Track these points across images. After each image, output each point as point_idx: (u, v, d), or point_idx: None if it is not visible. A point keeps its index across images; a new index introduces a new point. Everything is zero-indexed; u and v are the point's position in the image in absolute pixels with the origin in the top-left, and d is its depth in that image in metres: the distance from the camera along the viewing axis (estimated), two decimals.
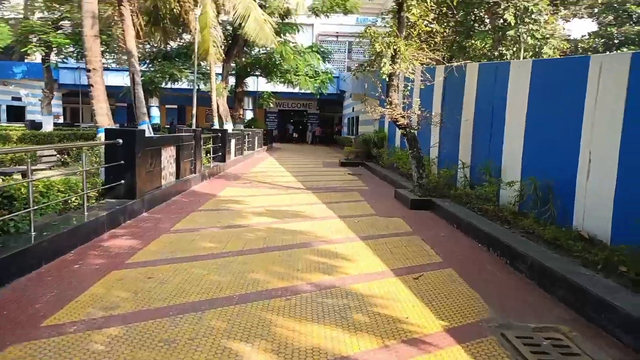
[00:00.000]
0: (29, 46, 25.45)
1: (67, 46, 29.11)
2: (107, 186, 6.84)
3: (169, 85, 27.95)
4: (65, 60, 30.30)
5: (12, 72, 34.97)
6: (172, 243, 5.63)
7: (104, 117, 9.60)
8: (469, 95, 9.52)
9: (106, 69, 33.75)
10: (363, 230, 6.68)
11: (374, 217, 7.73)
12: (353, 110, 32.00)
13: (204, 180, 11.63)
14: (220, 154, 14.45)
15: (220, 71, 24.35)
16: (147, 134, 11.66)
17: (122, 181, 6.95)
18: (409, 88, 10.55)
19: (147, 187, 7.70)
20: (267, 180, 12.39)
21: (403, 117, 9.33)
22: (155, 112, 40.63)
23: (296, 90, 31.25)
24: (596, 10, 25.12)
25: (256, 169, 15.61)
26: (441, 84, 10.97)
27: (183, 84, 28.53)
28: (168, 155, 9.14)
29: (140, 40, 18.48)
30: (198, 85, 26.97)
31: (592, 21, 26.25)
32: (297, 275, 4.58)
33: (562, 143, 6.26)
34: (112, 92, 31.04)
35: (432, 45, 11.39)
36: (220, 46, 20.61)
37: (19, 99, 36.47)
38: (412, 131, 9.34)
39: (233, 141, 16.74)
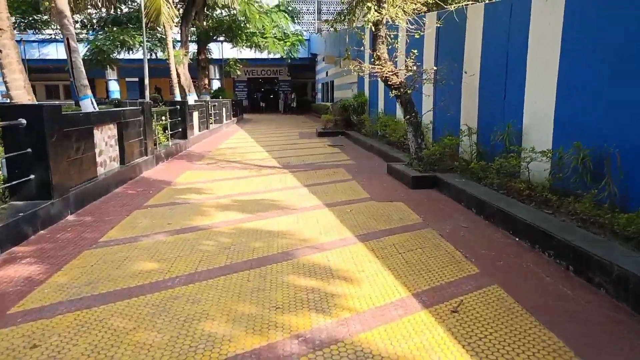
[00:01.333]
0: None
1: None
2: (7, 185, 5.00)
3: (125, 56, 25.38)
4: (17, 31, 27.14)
5: None
6: (93, 267, 3.92)
7: (20, 91, 7.60)
8: (473, 44, 7.87)
9: (58, 40, 30.51)
10: (360, 225, 5.09)
11: (370, 203, 6.14)
12: (327, 75, 30.00)
13: (160, 162, 9.78)
14: (180, 129, 12.52)
15: (179, 37, 21.92)
16: (90, 110, 9.71)
17: (32, 176, 5.12)
18: (398, 40, 8.82)
19: (73, 180, 5.88)
20: (236, 159, 10.62)
21: (396, 74, 7.64)
22: (114, 86, 37.72)
23: (264, 55, 29.02)
24: None
25: (224, 145, 13.76)
26: (433, 35, 9.27)
27: (140, 54, 25.93)
28: (106, 136, 7.26)
29: (81, 4, 16.04)
30: (155, 53, 24.52)
31: None
32: (275, 320, 2.97)
33: (621, 92, 4.72)
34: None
35: None
36: (176, 7, 18.27)
37: None
38: (408, 92, 7.69)
39: (196, 114, 14.76)
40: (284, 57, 24.64)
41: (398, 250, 4.26)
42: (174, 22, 20.59)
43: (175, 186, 7.44)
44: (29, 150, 5.05)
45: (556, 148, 5.49)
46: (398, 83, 7.63)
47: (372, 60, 7.99)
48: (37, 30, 27.94)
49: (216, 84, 34.88)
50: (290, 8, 26.08)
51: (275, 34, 23.67)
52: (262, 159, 10.48)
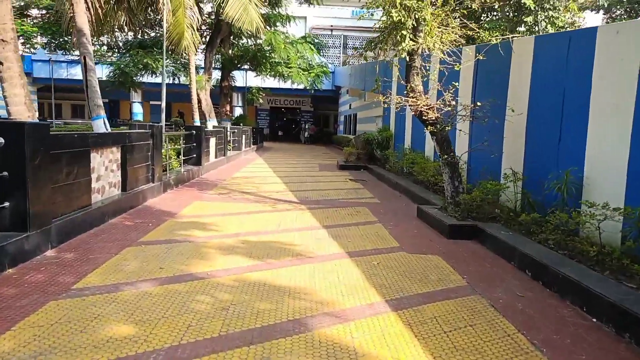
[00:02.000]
0: None
1: (35, 35, 26.42)
2: None
3: (151, 80, 25.45)
4: (33, 50, 27.55)
5: None
6: (53, 327, 3.07)
7: (20, 107, 7.00)
8: (519, 79, 7.05)
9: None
10: (391, 285, 4.16)
11: (401, 254, 5.20)
12: (350, 107, 29.55)
13: (168, 190, 9.04)
14: (194, 155, 11.85)
15: (203, 63, 21.72)
16: (102, 131, 9.14)
17: (6, 203, 4.38)
18: (431, 72, 8.07)
19: (59, 208, 5.12)
20: (249, 190, 9.83)
21: (430, 108, 6.83)
22: (138, 108, 37.91)
23: (288, 85, 28.76)
24: (607, 3, 22.94)
25: (239, 174, 13.04)
26: (471, 68, 8.50)
27: (165, 78, 25.85)
28: (107, 160, 6.56)
29: (107, 27, 15.89)
30: (178, 78, 24.43)
31: (602, 14, 24.20)
32: None
33: None
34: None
35: (462, 18, 8.86)
36: (199, 31, 18.07)
37: None
38: (446, 129, 6.85)
39: (213, 140, 14.15)
40: (308, 87, 24.20)
41: (442, 328, 3.31)
42: (197, 47, 20.46)
43: (179, 219, 6.63)
44: (5, 173, 4.32)
45: (633, 205, 4.52)
46: (434, 118, 6.81)
47: (405, 92, 7.21)
48: (66, 51, 28.27)
49: (239, 112, 34.75)
50: (316, 40, 25.88)
51: (300, 64, 23.32)
52: (278, 192, 9.67)
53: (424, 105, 6.75)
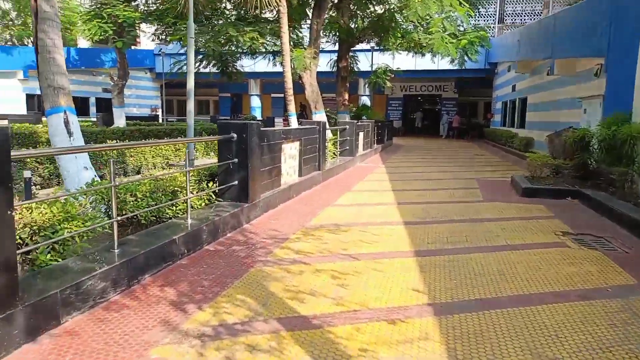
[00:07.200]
0: (91, 24, 19.40)
1: (137, 22, 23.10)
2: None
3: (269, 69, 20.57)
4: (158, 41, 23.48)
5: (101, 61, 30.97)
6: None
7: None
8: None
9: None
10: None
11: None
12: (514, 90, 21.30)
13: (87, 310, 3.26)
14: (235, 182, 5.99)
15: (309, 33, 15.96)
16: (59, 135, 3.91)
17: None
18: None
19: None
20: (319, 299, 3.59)
21: None
22: (256, 101, 34.25)
23: (426, 64, 21.81)
24: None
25: (325, 216, 6.83)
26: None
27: (267, 63, 20.66)
28: None
29: None
30: (274, 57, 19.13)
31: None
32: None
33: None
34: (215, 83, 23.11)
35: None
36: None
37: (109, 91, 32.65)
38: None
39: (293, 147, 8.21)
40: (456, 61, 16.85)
41: None
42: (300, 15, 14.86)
43: None
44: None
45: None
46: None
47: None
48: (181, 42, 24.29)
49: (367, 103, 28.69)
50: None
51: (444, 28, 16.08)
52: (396, 319, 3.28)
53: None
